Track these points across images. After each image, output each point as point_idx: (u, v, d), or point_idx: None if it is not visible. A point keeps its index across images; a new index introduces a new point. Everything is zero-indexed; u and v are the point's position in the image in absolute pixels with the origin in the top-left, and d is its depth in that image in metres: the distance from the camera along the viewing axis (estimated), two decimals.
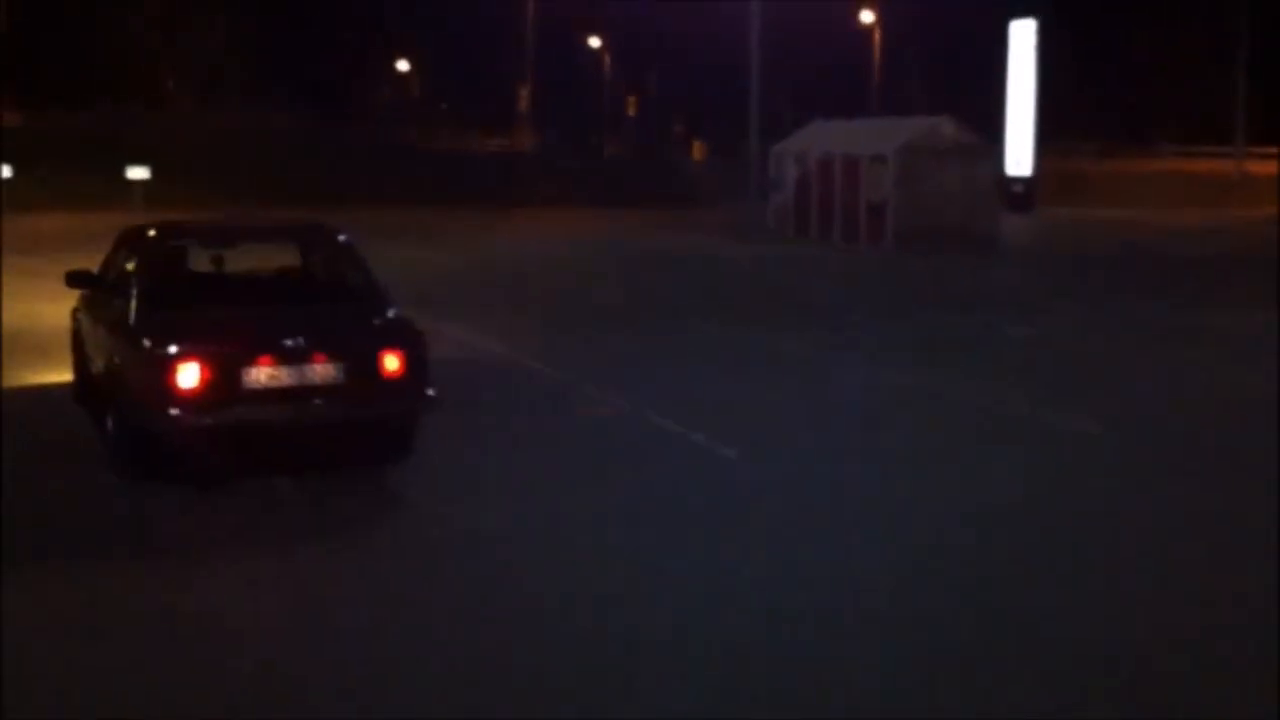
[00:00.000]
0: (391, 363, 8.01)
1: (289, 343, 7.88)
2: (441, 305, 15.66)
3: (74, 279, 9.47)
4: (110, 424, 8.28)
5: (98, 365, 8.88)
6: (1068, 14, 56.08)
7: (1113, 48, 65.82)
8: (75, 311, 10.17)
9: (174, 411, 7.52)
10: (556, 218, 37.10)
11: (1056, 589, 6.26)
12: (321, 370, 7.87)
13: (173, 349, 7.62)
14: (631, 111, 76.21)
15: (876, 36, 70.08)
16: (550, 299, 18.64)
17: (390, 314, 8.46)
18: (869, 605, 6.02)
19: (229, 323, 8.21)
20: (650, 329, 15.30)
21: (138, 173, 34.63)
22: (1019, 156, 42.46)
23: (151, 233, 9.05)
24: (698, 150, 65.04)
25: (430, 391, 8.16)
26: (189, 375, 7.53)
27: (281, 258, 10.20)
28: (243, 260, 9.65)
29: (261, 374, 7.72)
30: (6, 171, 34.57)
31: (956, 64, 61.25)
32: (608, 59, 78.76)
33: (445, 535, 7.14)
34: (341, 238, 9.35)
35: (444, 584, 6.38)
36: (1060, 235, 33.13)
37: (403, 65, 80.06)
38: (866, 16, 69.29)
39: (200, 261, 9.53)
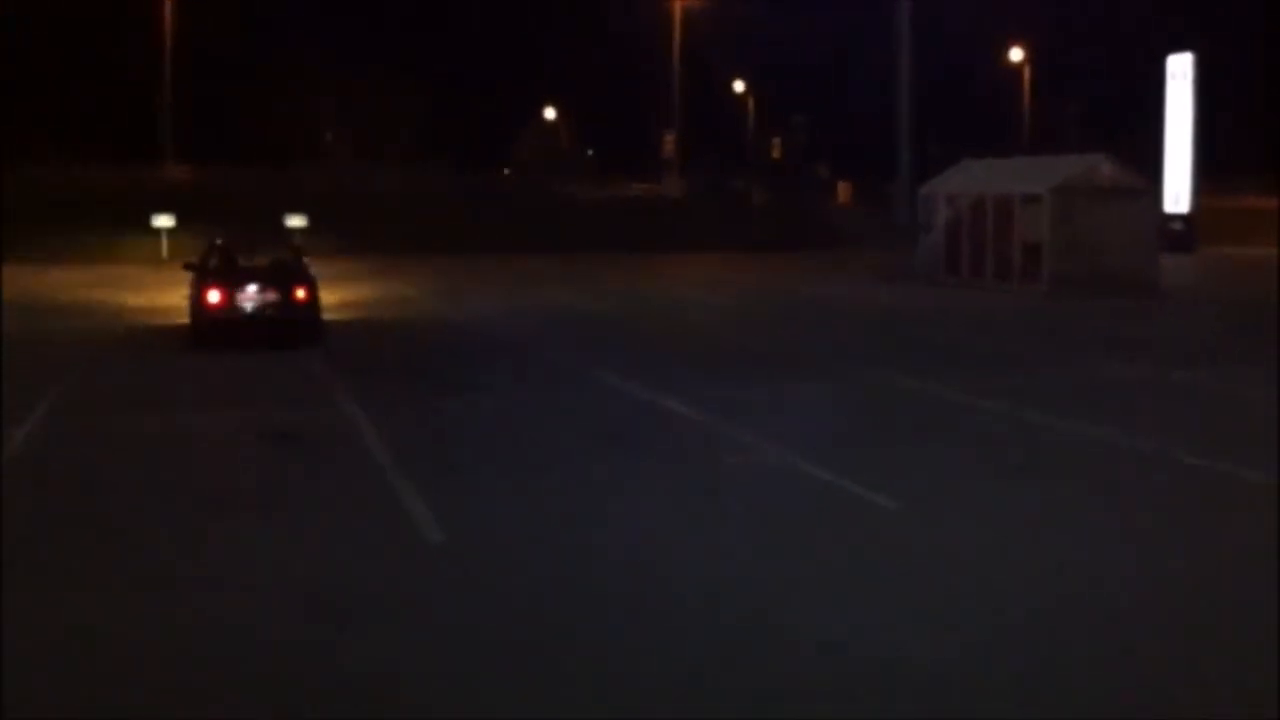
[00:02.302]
0: (300, 293, 17.53)
1: (255, 285, 17.37)
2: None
3: (186, 265, 19.16)
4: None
5: (189, 299, 18.34)
6: (1229, 47, 54.44)
7: (1274, 80, 63.63)
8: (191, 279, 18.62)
9: (206, 312, 17.32)
10: (701, 263, 37.09)
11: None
12: (270, 296, 17.29)
13: (207, 285, 17.43)
14: (776, 154, 76.12)
15: (1026, 74, 68.98)
16: (700, 346, 18.52)
17: (307, 276, 17.91)
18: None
19: (232, 277, 17.69)
20: (812, 375, 15.05)
21: (295, 221, 36.04)
22: (1177, 194, 41.33)
23: (218, 242, 19.33)
24: (843, 192, 64.58)
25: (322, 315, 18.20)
26: (213, 296, 17.25)
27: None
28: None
29: (244, 296, 17.22)
30: (168, 221, 36.79)
31: (1111, 100, 59.88)
32: (752, 103, 78.91)
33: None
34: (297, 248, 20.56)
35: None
36: (1225, 277, 31.95)
37: (550, 113, 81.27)
38: (1016, 54, 68.28)
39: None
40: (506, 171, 68.95)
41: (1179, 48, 46.42)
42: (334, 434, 11.22)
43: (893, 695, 5.50)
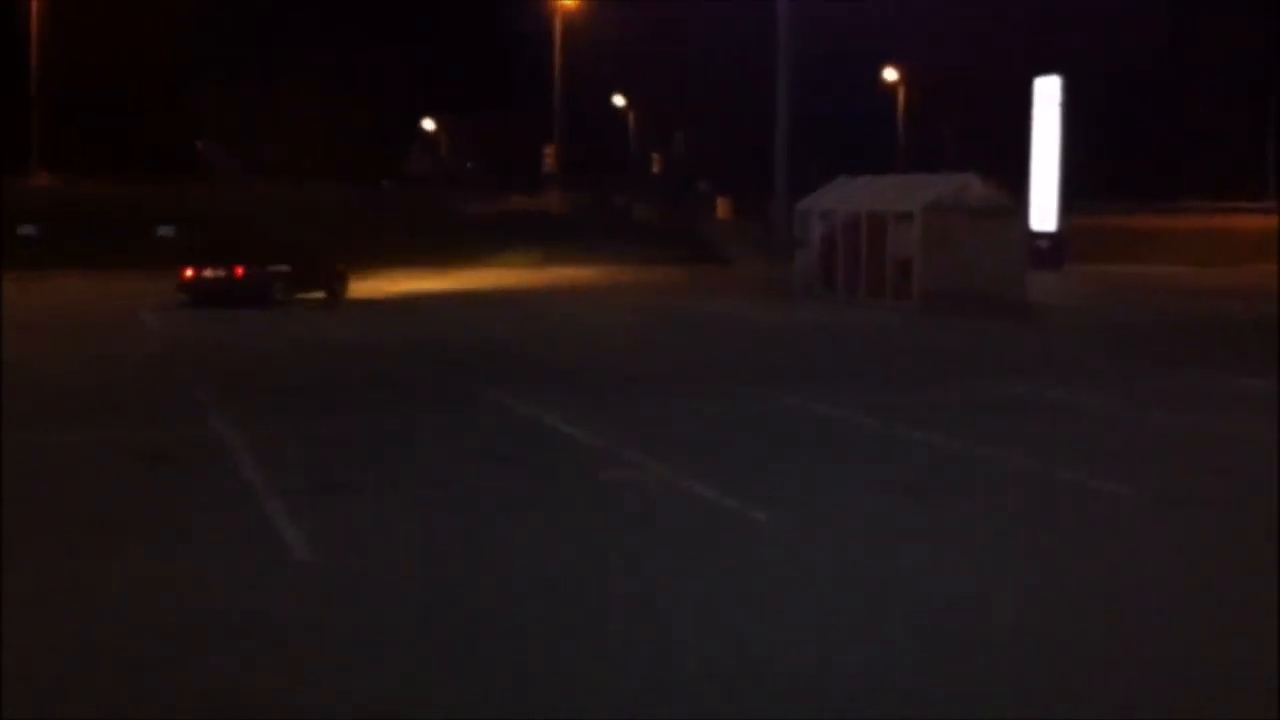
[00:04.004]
0: (239, 271, 26.26)
1: (212, 268, 26.50)
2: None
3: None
4: None
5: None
6: (1097, 69, 56.17)
7: (1142, 103, 65.82)
8: None
9: (185, 282, 26.56)
10: (581, 278, 37.14)
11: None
12: (222, 272, 26.30)
13: (185, 264, 26.82)
14: (657, 169, 76.61)
15: (901, 94, 70.43)
16: (581, 364, 18.59)
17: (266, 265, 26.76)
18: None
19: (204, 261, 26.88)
20: (695, 393, 15.21)
21: (164, 231, 36.22)
22: (1044, 212, 42.41)
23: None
24: (722, 208, 65.19)
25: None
26: (187, 273, 26.52)
27: None
28: None
29: (206, 273, 26.29)
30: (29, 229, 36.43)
31: (984, 120, 61.30)
32: (633, 118, 79.33)
33: None
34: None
35: None
36: (1091, 294, 32.97)
37: (429, 125, 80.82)
38: (890, 74, 69.68)
39: None
40: (384, 184, 68.34)
41: (1049, 69, 47.76)
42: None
43: (746, 697, 5.62)
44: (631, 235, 50.14)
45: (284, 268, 27.04)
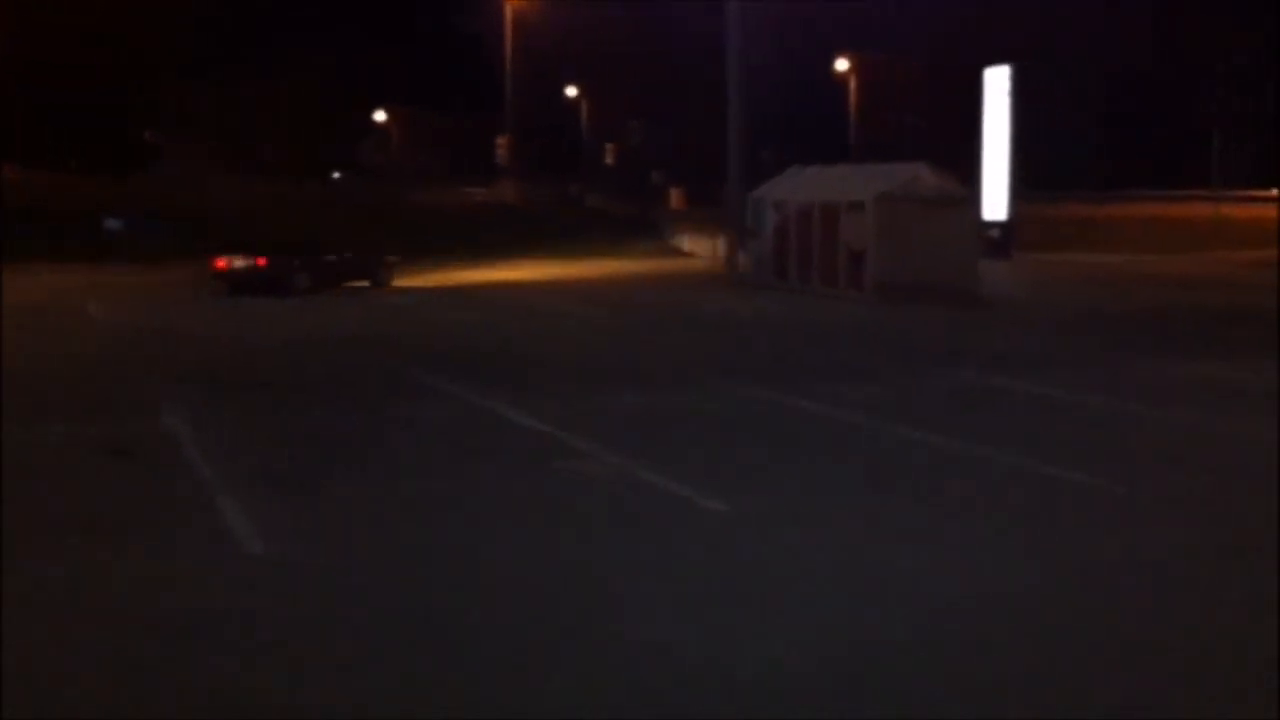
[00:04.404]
0: (262, 261, 28.74)
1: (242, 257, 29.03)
2: None
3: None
4: None
5: None
6: (1049, 61, 56.65)
7: (1093, 94, 66.45)
8: None
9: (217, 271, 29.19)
10: (535, 269, 37.12)
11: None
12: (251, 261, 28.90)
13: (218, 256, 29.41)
14: (610, 160, 76.55)
15: (853, 84, 70.72)
16: (536, 356, 18.58)
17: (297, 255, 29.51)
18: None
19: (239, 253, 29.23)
20: (657, 385, 15.23)
21: (112, 223, 35.78)
22: (994, 202, 42.68)
23: None
24: (676, 199, 65.26)
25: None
26: (219, 264, 29.07)
27: None
28: None
29: (237, 261, 28.80)
30: None
31: (936, 110, 61.70)
32: (586, 109, 79.20)
33: None
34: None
35: None
36: (1040, 283, 33.25)
37: (380, 116, 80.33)
38: (842, 64, 69.95)
39: None
40: (337, 176, 67.91)
41: (999, 60, 48.06)
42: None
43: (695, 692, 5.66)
44: (585, 226, 50.13)
45: (331, 257, 30.55)
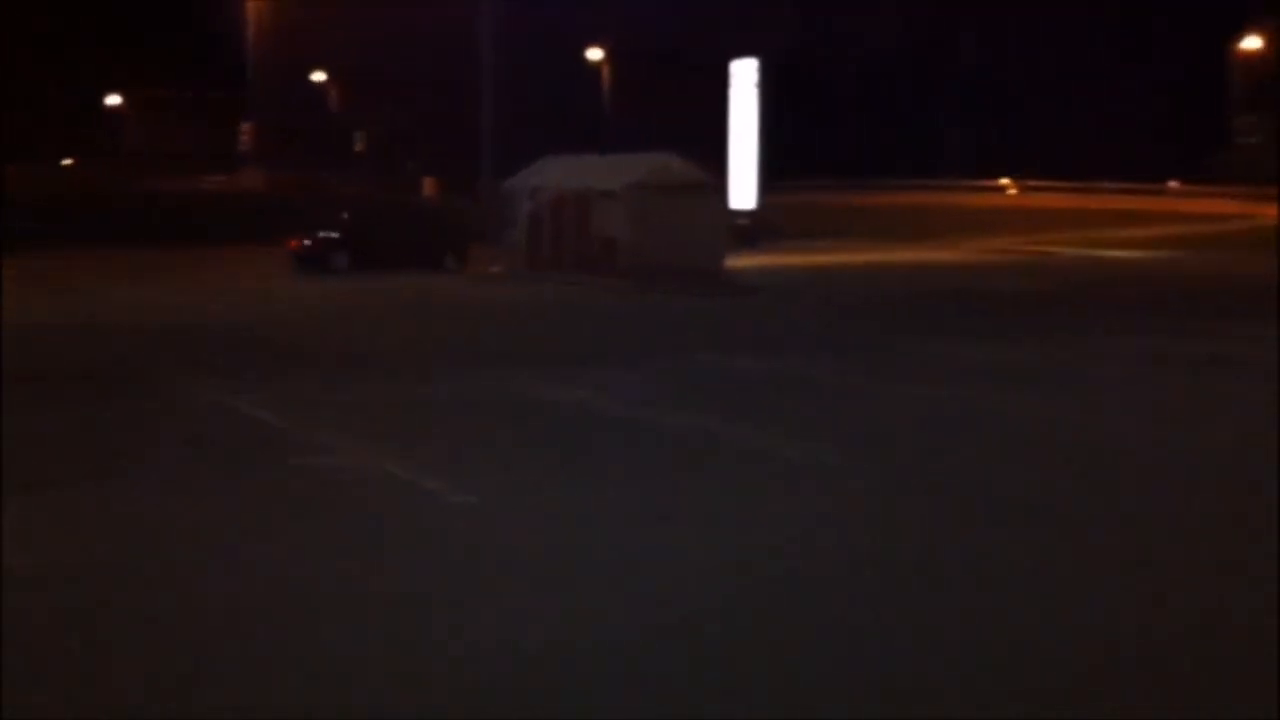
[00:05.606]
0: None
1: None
2: None
3: None
4: None
5: None
6: (798, 54, 58.18)
7: (839, 87, 68.69)
8: None
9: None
10: (274, 257, 36.04)
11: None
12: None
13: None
14: (360, 148, 74.92)
15: (606, 73, 71.14)
16: (275, 345, 17.92)
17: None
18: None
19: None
20: (408, 375, 14.84)
21: None
22: (743, 191, 43.65)
23: None
24: (429, 187, 64.36)
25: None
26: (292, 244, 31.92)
27: None
28: None
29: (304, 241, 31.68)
30: None
31: (688, 101, 62.59)
32: (335, 96, 77.29)
33: None
34: None
35: None
36: (788, 270, 34.12)
37: (115, 100, 76.69)
38: (595, 53, 70.26)
39: None
40: (67, 163, 64.42)
41: (746, 52, 49.13)
42: None
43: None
44: (334, 213, 48.81)
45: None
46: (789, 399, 13.08)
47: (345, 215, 32.97)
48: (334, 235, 31.45)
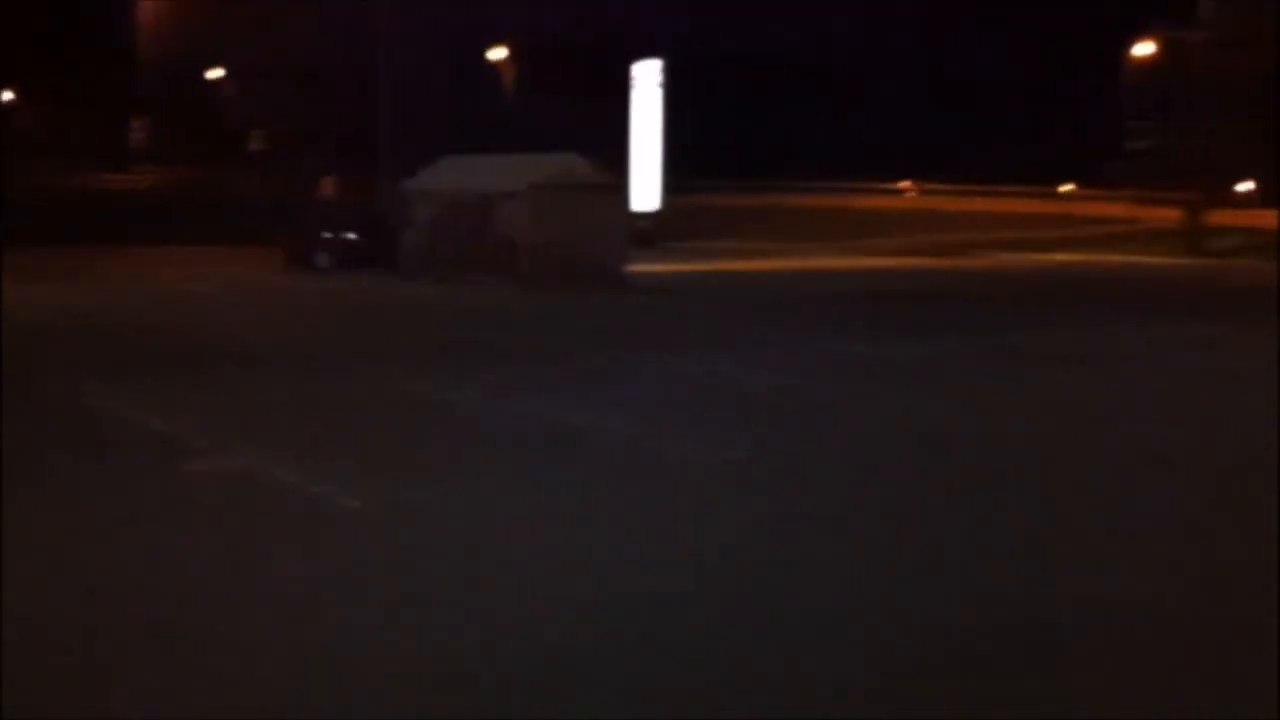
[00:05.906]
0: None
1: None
2: None
3: None
4: None
5: None
6: (703, 55, 58.45)
7: (745, 87, 69.16)
8: None
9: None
10: (166, 258, 35.36)
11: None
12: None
13: None
14: (256, 145, 73.83)
15: (509, 73, 70.84)
16: (168, 346, 17.55)
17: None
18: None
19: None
20: (299, 375, 14.60)
21: None
22: (645, 193, 43.73)
23: None
24: (328, 187, 63.56)
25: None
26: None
27: None
28: None
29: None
30: None
31: (591, 101, 62.61)
32: (232, 93, 76.01)
33: None
34: None
35: None
36: (687, 272, 34.28)
37: (7, 95, 74.67)
38: (498, 53, 69.95)
39: None
40: None
41: (649, 54, 49.21)
42: None
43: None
44: (230, 214, 48.09)
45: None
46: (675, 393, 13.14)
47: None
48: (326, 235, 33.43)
